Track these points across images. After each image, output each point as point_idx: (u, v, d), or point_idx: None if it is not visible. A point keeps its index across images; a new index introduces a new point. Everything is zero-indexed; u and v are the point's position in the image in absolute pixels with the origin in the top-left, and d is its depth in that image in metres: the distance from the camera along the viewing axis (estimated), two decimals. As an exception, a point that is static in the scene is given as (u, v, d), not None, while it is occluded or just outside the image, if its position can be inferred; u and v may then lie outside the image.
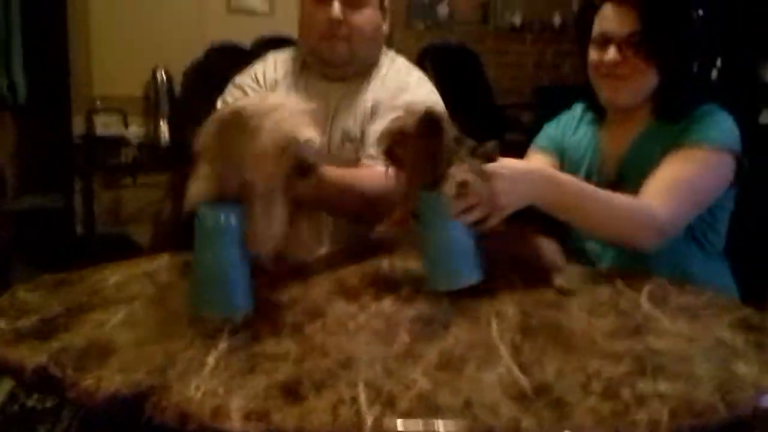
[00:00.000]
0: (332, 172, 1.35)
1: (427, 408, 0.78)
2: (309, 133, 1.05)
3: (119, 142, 3.83)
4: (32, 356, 0.90)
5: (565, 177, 1.25)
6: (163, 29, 3.93)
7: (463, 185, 1.10)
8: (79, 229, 3.73)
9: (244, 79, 1.67)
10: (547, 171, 1.26)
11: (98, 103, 3.89)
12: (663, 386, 0.84)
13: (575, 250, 1.44)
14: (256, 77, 1.66)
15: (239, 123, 1.04)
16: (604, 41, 1.41)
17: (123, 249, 3.51)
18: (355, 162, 1.57)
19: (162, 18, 3.97)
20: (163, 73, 3.90)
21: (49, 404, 1.90)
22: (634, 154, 1.45)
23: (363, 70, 1.63)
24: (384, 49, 1.69)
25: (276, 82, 1.65)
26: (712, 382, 0.85)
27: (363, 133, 1.59)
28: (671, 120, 1.42)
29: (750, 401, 0.82)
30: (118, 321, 1.03)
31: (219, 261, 1.05)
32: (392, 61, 1.68)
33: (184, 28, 3.94)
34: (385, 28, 1.67)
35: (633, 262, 1.35)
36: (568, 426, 0.75)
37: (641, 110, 1.46)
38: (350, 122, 1.61)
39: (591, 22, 1.45)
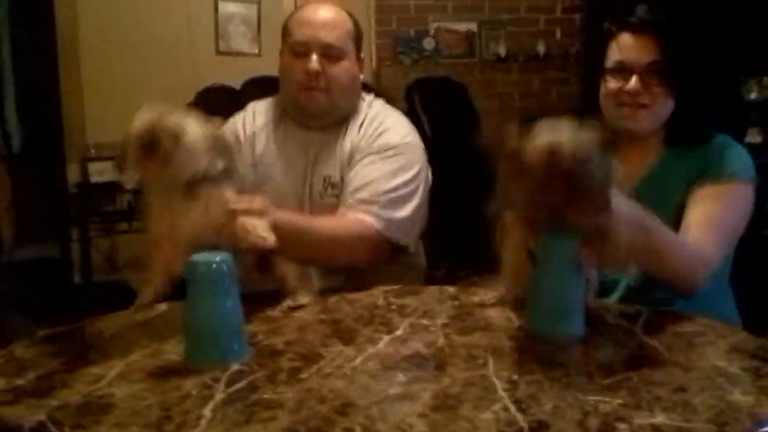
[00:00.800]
0: (287, 217, 1.37)
1: (424, 452, 0.78)
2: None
3: (114, 188, 3.85)
4: (30, 415, 0.90)
5: (652, 218, 1.17)
6: (154, 73, 3.97)
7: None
8: (76, 278, 3.73)
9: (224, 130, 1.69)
10: (643, 214, 1.15)
11: (92, 150, 3.91)
12: (659, 418, 0.84)
13: None
14: (236, 128, 1.70)
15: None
16: (623, 70, 1.41)
17: (122, 297, 3.50)
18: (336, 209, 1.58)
19: (153, 63, 4.02)
20: (155, 117, 3.92)
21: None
22: (650, 184, 1.44)
23: (342, 119, 1.66)
24: (362, 94, 1.71)
25: (255, 132, 1.69)
26: (708, 412, 0.85)
27: (343, 179, 1.61)
28: (685, 145, 1.43)
29: (748, 431, 0.82)
30: (114, 375, 1.03)
31: (213, 311, 1.05)
32: (369, 106, 1.70)
33: (175, 71, 3.98)
34: (362, 77, 1.70)
35: (645, 294, 1.35)
36: (565, 465, 0.74)
37: (654, 138, 1.46)
38: (330, 169, 1.62)
39: (605, 51, 1.44)
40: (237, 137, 1.68)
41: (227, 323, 1.06)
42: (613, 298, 1.40)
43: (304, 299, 1.32)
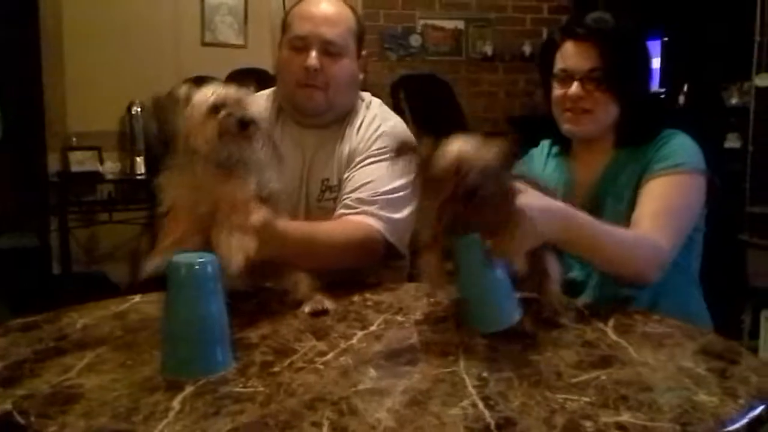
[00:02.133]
0: (294, 227, 1.34)
1: (390, 447, 0.78)
2: (241, 93, 1.14)
3: (95, 178, 3.82)
4: (-4, 404, 0.90)
5: (581, 214, 1.24)
6: (138, 64, 3.94)
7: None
8: (55, 268, 3.71)
9: None
10: (565, 209, 1.22)
11: (73, 139, 3.88)
12: (625, 417, 0.85)
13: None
14: None
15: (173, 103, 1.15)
16: (566, 77, 1.46)
17: (100, 288, 3.49)
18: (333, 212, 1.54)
19: (137, 52, 3.99)
20: (138, 107, 3.90)
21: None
22: (605, 183, 1.49)
23: (339, 118, 1.62)
24: (360, 94, 1.68)
25: None
26: (672, 412, 0.86)
27: (340, 182, 1.57)
28: (635, 145, 1.46)
29: (710, 431, 0.83)
30: (84, 365, 1.02)
31: (195, 316, 0.97)
32: (368, 107, 1.66)
33: (159, 62, 3.95)
34: (362, 76, 1.66)
35: (613, 292, 1.38)
36: (529, 461, 0.75)
37: (604, 140, 1.50)
38: (328, 172, 1.59)
39: (552, 59, 1.50)
40: None
41: (210, 330, 0.98)
42: (583, 298, 1.43)
43: (328, 304, 1.27)
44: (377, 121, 1.63)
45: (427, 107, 4.09)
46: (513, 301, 1.13)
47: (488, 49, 4.69)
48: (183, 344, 0.98)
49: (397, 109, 4.35)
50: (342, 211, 1.52)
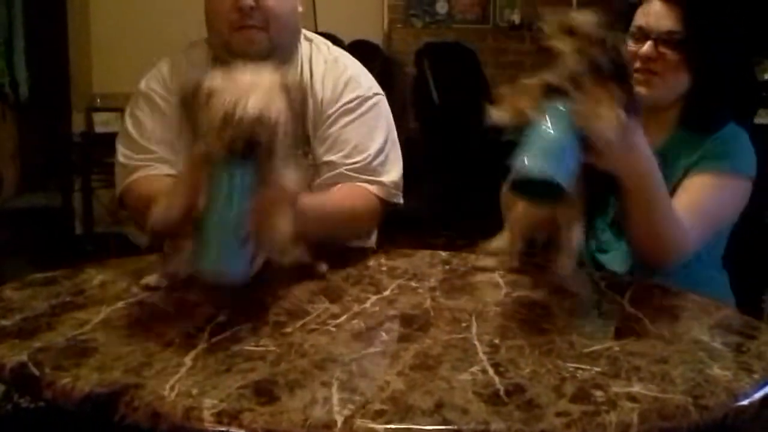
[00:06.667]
0: (308, 201, 1.26)
1: (398, 409, 0.78)
2: (262, 109, 1.02)
3: (118, 139, 3.84)
4: (12, 355, 0.91)
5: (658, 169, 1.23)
6: (164, 25, 3.92)
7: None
8: (78, 228, 3.75)
9: (150, 84, 1.50)
10: (653, 158, 1.22)
11: (98, 100, 3.90)
12: (636, 388, 0.84)
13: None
14: (164, 81, 1.49)
15: (199, 98, 1.05)
16: (642, 36, 1.39)
17: (121, 248, 3.53)
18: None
19: (163, 14, 3.97)
20: (164, 69, 3.90)
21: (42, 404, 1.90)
22: (658, 161, 1.43)
23: (283, 60, 1.44)
24: (303, 31, 1.55)
25: None
26: (685, 384, 0.85)
27: (308, 136, 1.47)
28: (698, 130, 1.41)
29: (722, 405, 0.82)
30: (100, 321, 1.04)
31: (227, 217, 1.03)
32: (317, 47, 1.53)
33: (186, 24, 3.93)
34: (301, 9, 1.51)
35: (637, 272, 1.35)
36: (536, 428, 0.75)
37: (668, 113, 1.44)
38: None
39: (633, 15, 1.43)
40: (154, 104, 1.47)
41: (237, 232, 1.03)
42: (609, 266, 1.40)
43: (323, 267, 1.26)
44: (338, 66, 1.51)
45: (452, 76, 4.04)
46: (572, 168, 1.08)
47: (516, 18, 4.61)
48: (213, 240, 1.04)
49: (421, 77, 4.34)
50: (341, 181, 1.46)
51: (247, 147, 1.02)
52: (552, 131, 1.07)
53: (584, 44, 1.08)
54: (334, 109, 1.48)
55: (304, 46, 1.54)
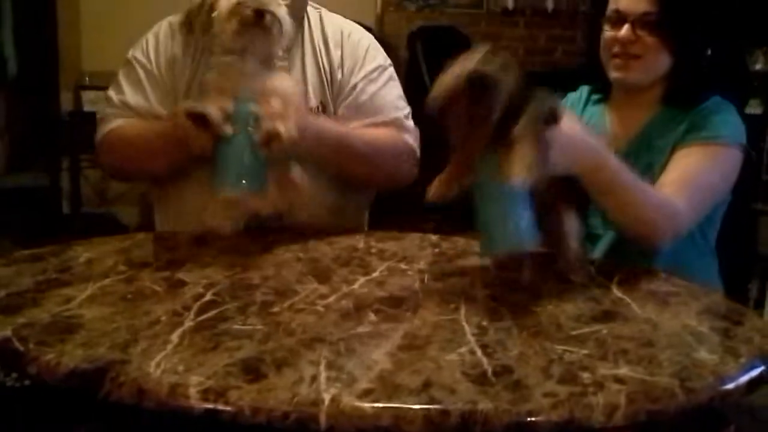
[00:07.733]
0: (329, 125, 1.35)
1: (385, 388, 0.78)
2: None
3: (107, 119, 3.80)
4: (-4, 330, 0.90)
5: (615, 158, 1.20)
6: (154, 3, 3.87)
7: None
8: (65, 207, 3.72)
9: (136, 53, 1.48)
10: (603, 147, 1.20)
11: (87, 78, 3.85)
12: (623, 370, 0.84)
13: None
14: (148, 53, 1.47)
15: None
16: (618, 19, 1.39)
17: (109, 229, 3.50)
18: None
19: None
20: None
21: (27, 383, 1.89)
22: (643, 139, 1.43)
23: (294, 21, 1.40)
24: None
25: (175, 58, 1.45)
26: (672, 367, 0.85)
27: (323, 104, 1.47)
28: (680, 107, 1.40)
29: (709, 388, 0.83)
30: (86, 297, 1.03)
31: (244, 142, 1.24)
32: (328, 17, 1.54)
33: (176, 2, 3.89)
34: None
35: (628, 249, 1.34)
36: (523, 409, 0.75)
37: (650, 93, 1.44)
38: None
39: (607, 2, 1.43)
40: (150, 64, 1.46)
41: (250, 154, 1.25)
42: (596, 252, 1.41)
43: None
44: (353, 36, 1.52)
45: (444, 60, 4.02)
46: (526, 225, 1.09)
47: (509, 3, 4.58)
48: (232, 160, 1.27)
49: (413, 61, 4.31)
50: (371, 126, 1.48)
51: (258, 15, 1.23)
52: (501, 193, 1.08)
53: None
54: (358, 78, 1.49)
55: (312, 14, 1.54)
